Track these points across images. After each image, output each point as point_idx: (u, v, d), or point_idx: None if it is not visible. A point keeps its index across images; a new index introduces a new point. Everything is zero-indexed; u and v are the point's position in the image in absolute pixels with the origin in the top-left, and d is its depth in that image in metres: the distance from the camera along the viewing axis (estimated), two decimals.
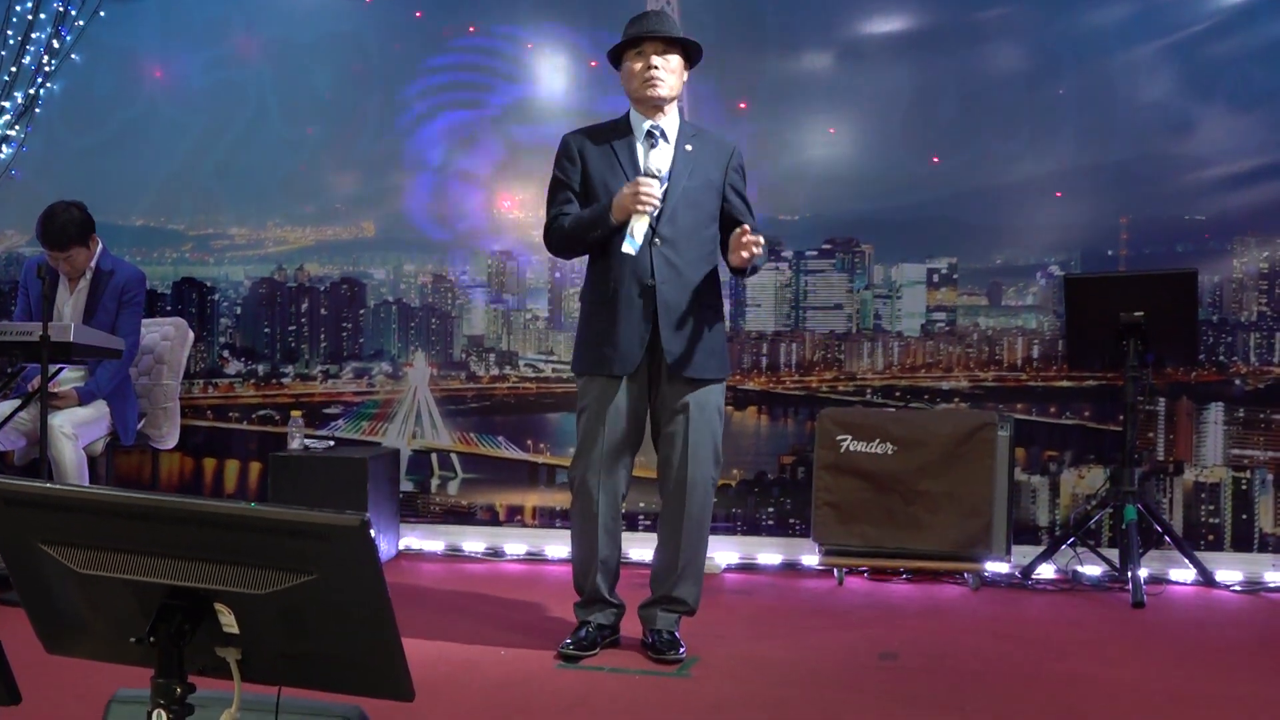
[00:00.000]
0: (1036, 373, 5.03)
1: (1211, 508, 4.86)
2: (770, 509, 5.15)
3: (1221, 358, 4.89)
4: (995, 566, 4.68)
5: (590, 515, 3.62)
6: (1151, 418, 4.90)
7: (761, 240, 3.42)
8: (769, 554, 5.05)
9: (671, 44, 3.55)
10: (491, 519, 5.38)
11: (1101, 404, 4.93)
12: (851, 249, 5.18)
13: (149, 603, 1.47)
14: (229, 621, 1.48)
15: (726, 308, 5.10)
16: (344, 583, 1.43)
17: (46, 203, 4.62)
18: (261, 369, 5.62)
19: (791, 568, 4.99)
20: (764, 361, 5.22)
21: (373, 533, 1.41)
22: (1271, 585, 4.64)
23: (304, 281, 5.62)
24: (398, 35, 5.45)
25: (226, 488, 5.59)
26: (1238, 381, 4.88)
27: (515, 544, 5.25)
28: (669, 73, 3.54)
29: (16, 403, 4.48)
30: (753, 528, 5.15)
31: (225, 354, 5.66)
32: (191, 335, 5.12)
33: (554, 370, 5.34)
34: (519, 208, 5.42)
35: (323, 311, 5.61)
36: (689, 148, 3.59)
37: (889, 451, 4.65)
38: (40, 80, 5.60)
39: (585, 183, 3.59)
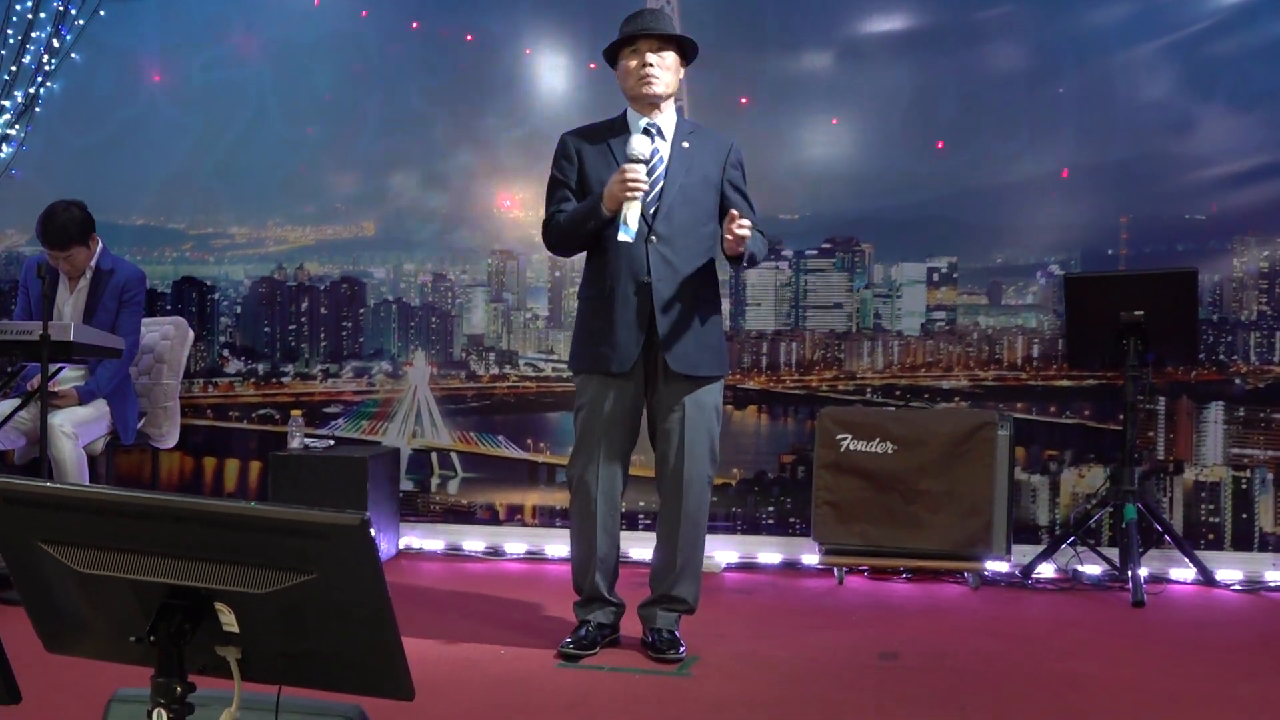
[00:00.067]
0: (1037, 372, 5.03)
1: (1211, 507, 4.86)
2: (770, 508, 5.15)
3: (1222, 357, 4.89)
4: (995, 566, 4.68)
5: (588, 514, 3.62)
6: (1152, 417, 4.90)
7: (747, 224, 3.41)
8: (769, 553, 5.05)
9: (667, 41, 3.55)
10: (492, 518, 5.38)
11: (1102, 403, 4.93)
12: (851, 248, 5.18)
13: (149, 602, 1.47)
14: (229, 621, 1.48)
15: (726, 306, 5.14)
16: (344, 582, 1.43)
17: (46, 202, 4.62)
18: (261, 368, 5.62)
19: (791, 567, 4.99)
20: (764, 361, 5.22)
21: (373, 532, 1.41)
22: (1272, 584, 4.64)
23: (304, 281, 5.62)
24: (397, 35, 5.44)
25: (227, 487, 5.59)
26: (1238, 381, 4.88)
27: (515, 543, 5.25)
28: (664, 70, 3.54)
29: (17, 402, 4.48)
30: (753, 527, 5.15)
31: (225, 353, 5.66)
32: (191, 334, 5.12)
33: (554, 369, 5.34)
34: (519, 207, 5.42)
35: (323, 311, 5.62)
36: (686, 144, 3.59)
37: (889, 451, 4.65)
38: (40, 79, 5.60)
39: (582, 181, 3.60)
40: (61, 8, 5.57)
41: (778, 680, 3.43)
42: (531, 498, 5.37)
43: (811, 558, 4.90)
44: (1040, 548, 4.76)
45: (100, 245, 4.71)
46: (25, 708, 1.68)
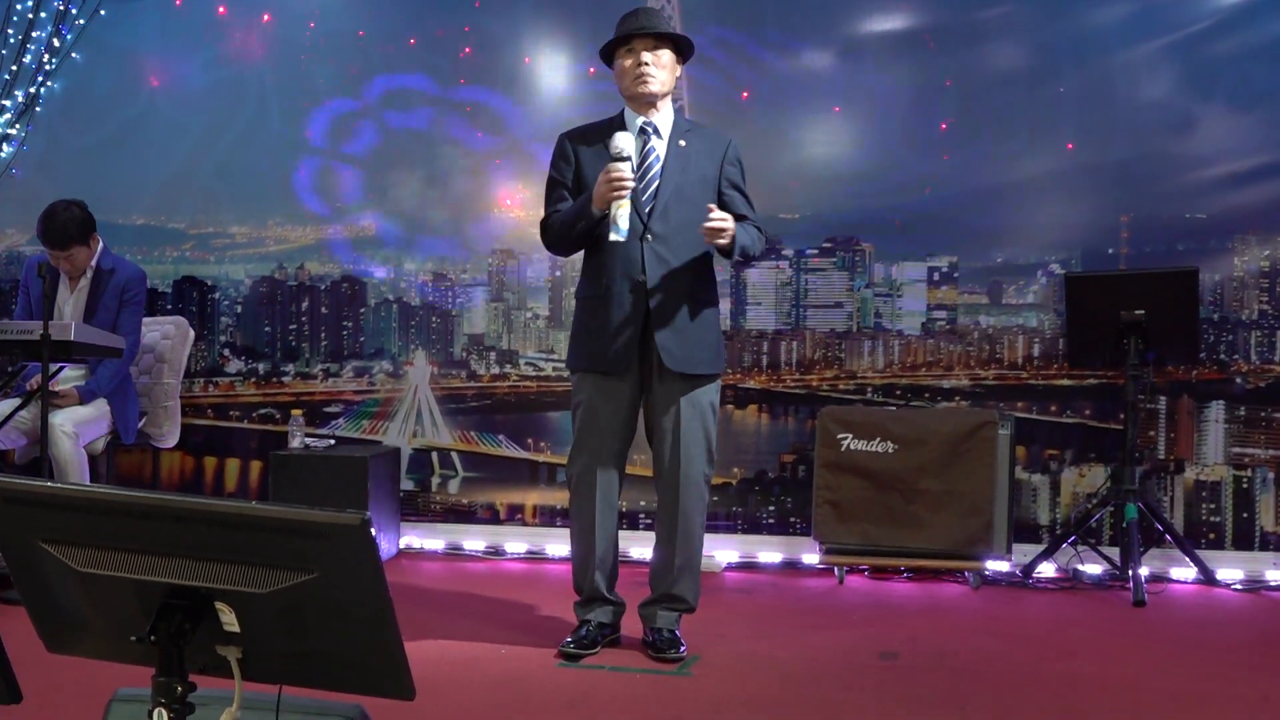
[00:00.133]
0: (1037, 371, 5.03)
1: (1212, 506, 4.86)
2: (771, 507, 5.15)
3: (1222, 356, 4.89)
4: (996, 565, 4.68)
5: (586, 512, 3.62)
6: (1152, 416, 4.89)
7: (718, 216, 3.40)
8: (769, 552, 5.05)
9: (662, 40, 3.55)
10: (492, 518, 5.38)
11: (1102, 402, 4.93)
12: (852, 247, 5.18)
13: (150, 601, 1.47)
14: (230, 620, 1.48)
15: (726, 306, 5.15)
16: (345, 581, 1.43)
17: (47, 201, 4.62)
18: (262, 368, 5.62)
19: (792, 566, 4.99)
20: (764, 360, 5.22)
21: (373, 531, 1.41)
22: (1272, 584, 4.64)
23: (304, 280, 5.62)
24: (397, 35, 5.44)
25: (227, 486, 5.59)
26: (1239, 380, 4.88)
27: (516, 542, 5.25)
28: (660, 69, 3.53)
29: (17, 401, 4.48)
30: (753, 526, 5.15)
31: (226, 353, 5.66)
32: (192, 334, 5.12)
33: (554, 369, 5.34)
34: (519, 206, 5.41)
35: (323, 310, 5.62)
36: (682, 143, 3.59)
37: (889, 450, 4.65)
38: (41, 79, 5.60)
39: (579, 181, 3.59)
40: (62, 7, 5.57)
41: (778, 680, 3.43)
42: (532, 497, 5.37)
43: (812, 557, 4.90)
44: (1041, 547, 4.76)
45: (101, 245, 4.71)
46: (26, 707, 1.68)
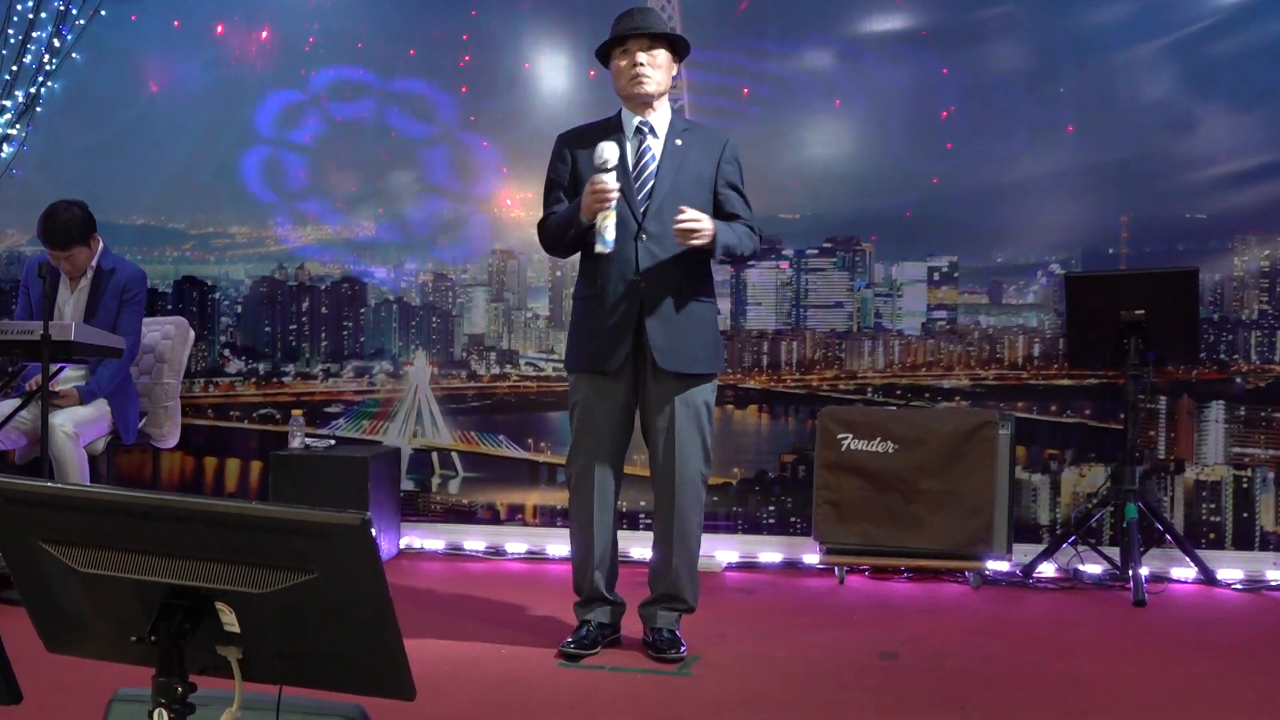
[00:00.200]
0: (1037, 371, 5.03)
1: (1213, 506, 4.86)
2: (771, 507, 5.15)
3: (1222, 356, 4.89)
4: (996, 565, 4.68)
5: (584, 512, 3.63)
6: (1152, 416, 4.89)
7: (699, 217, 3.39)
8: (770, 553, 5.05)
9: (657, 40, 3.54)
10: (492, 518, 5.38)
11: (1102, 402, 4.93)
12: (852, 247, 5.18)
13: (150, 602, 1.47)
14: (230, 620, 1.48)
15: (726, 306, 5.15)
16: (345, 581, 1.43)
17: (47, 202, 4.62)
18: (262, 368, 5.62)
19: (792, 566, 4.99)
20: (765, 360, 5.22)
21: (373, 531, 1.41)
22: (1273, 583, 4.64)
23: (305, 280, 5.62)
24: (398, 34, 5.44)
25: (227, 487, 5.59)
26: (1239, 380, 4.88)
27: (516, 543, 5.25)
28: (655, 69, 3.53)
29: (18, 402, 4.48)
30: (753, 526, 5.15)
31: (226, 353, 5.66)
32: (192, 334, 5.12)
33: (554, 369, 5.34)
34: (520, 206, 5.41)
35: (323, 310, 5.62)
36: (679, 142, 3.59)
37: (890, 450, 4.65)
38: (41, 79, 5.60)
39: (576, 181, 3.59)
40: (62, 7, 5.57)
41: (778, 680, 3.43)
42: (532, 497, 5.37)
43: (812, 557, 4.90)
44: (1041, 547, 4.76)
45: (101, 245, 4.71)
46: (26, 708, 1.68)
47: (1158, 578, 4.63)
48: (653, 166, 3.56)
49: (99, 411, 4.61)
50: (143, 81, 5.64)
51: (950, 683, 3.40)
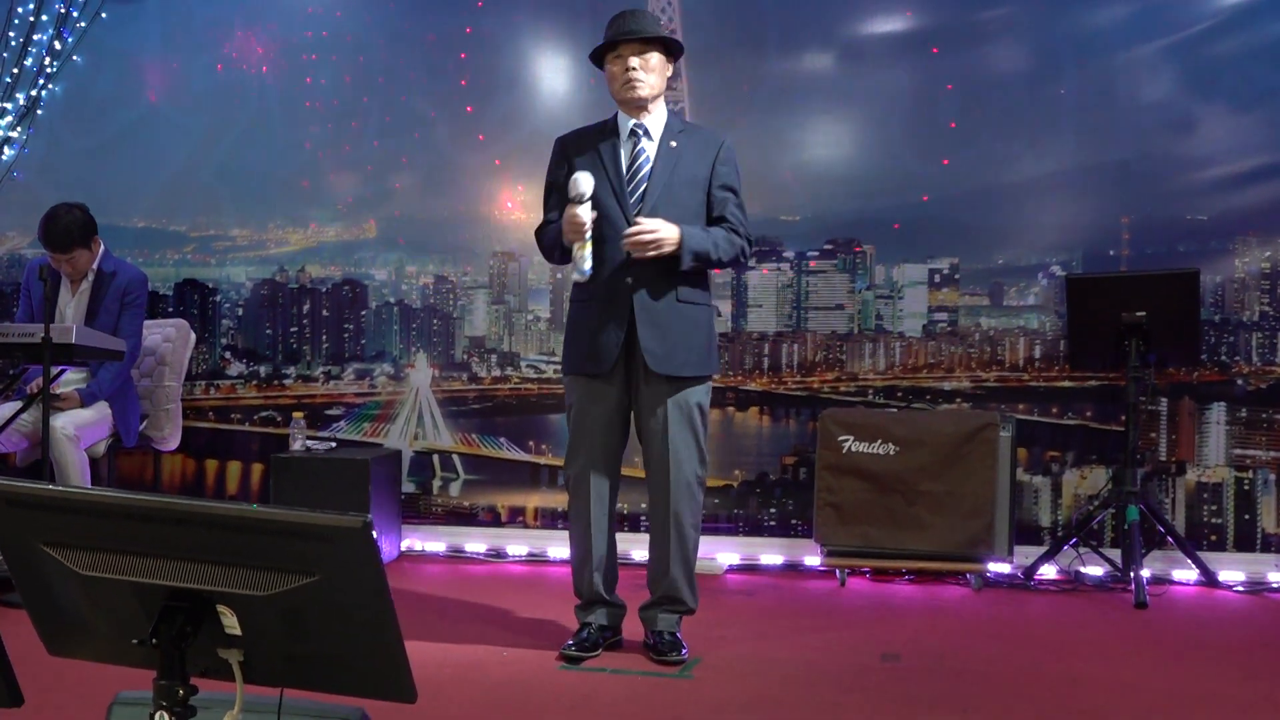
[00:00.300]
0: (1038, 373, 5.03)
1: (1214, 508, 4.86)
2: (772, 509, 5.15)
3: (1223, 357, 4.89)
4: (997, 567, 4.68)
5: (582, 515, 3.63)
6: (1154, 418, 4.89)
7: (652, 229, 3.40)
8: (771, 555, 5.05)
9: (649, 43, 3.54)
10: (493, 520, 5.38)
11: (1103, 404, 4.93)
12: (853, 249, 5.18)
13: (151, 604, 1.48)
14: (231, 623, 1.48)
15: (727, 308, 5.15)
16: (346, 584, 1.43)
17: (48, 204, 4.62)
18: (263, 370, 5.63)
19: (793, 568, 4.98)
20: (765, 362, 5.22)
21: (374, 534, 1.42)
22: (1274, 585, 4.63)
23: (305, 283, 5.63)
24: (398, 36, 5.45)
25: (228, 489, 5.60)
26: (1240, 381, 4.88)
27: (517, 545, 5.25)
28: (648, 72, 3.53)
29: (19, 404, 4.49)
30: (755, 528, 5.15)
31: (227, 355, 5.67)
32: (193, 337, 5.13)
33: (555, 371, 5.34)
34: (521, 209, 5.42)
35: (324, 313, 5.62)
36: (673, 144, 3.59)
37: (891, 452, 4.65)
38: (42, 82, 5.60)
39: None
40: (63, 10, 5.58)
41: (779, 682, 3.43)
42: (533, 500, 5.37)
43: (813, 559, 4.89)
44: (1042, 549, 4.76)
45: (102, 247, 4.71)
46: (27, 710, 1.68)
47: (1159, 580, 4.63)
48: (646, 169, 3.55)
49: (100, 414, 4.61)
50: (143, 84, 5.64)
51: (951, 684, 3.40)
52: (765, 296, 5.24)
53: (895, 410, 5.00)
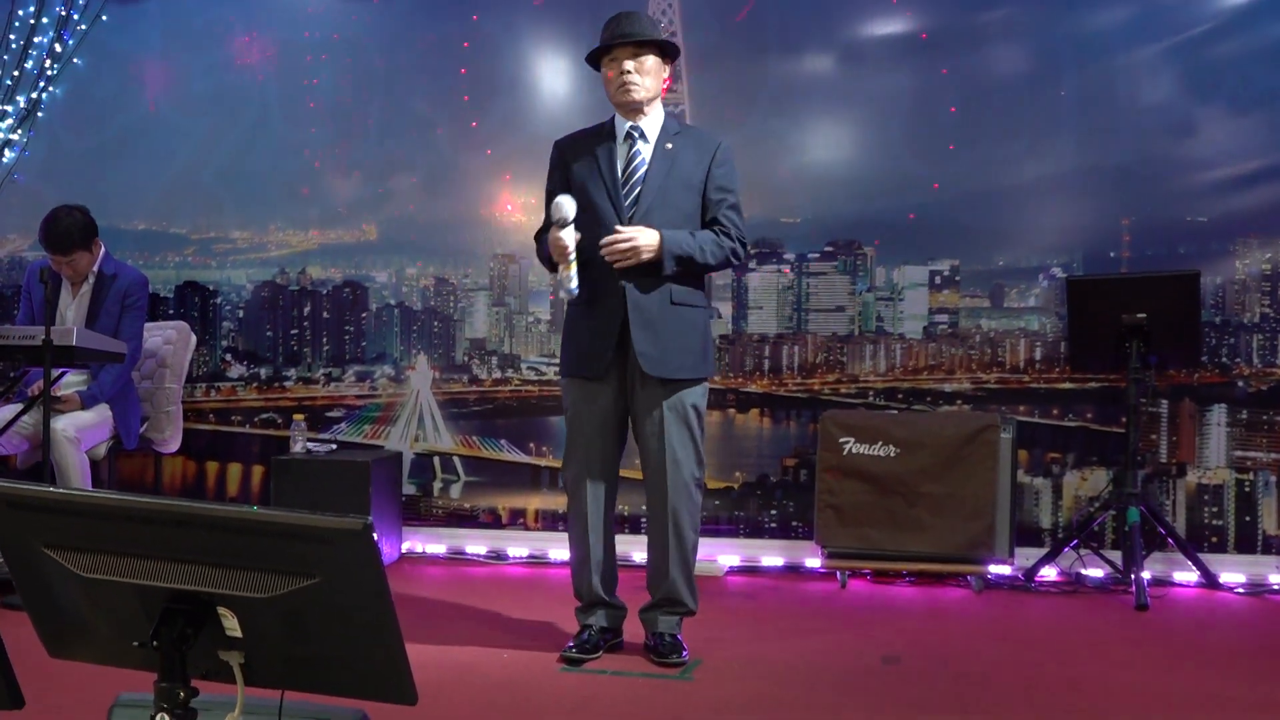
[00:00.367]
0: (1039, 375, 5.03)
1: (1215, 509, 4.86)
2: (773, 511, 5.15)
3: (1224, 359, 4.89)
4: (998, 569, 4.68)
5: (580, 518, 3.64)
6: (1154, 419, 4.89)
7: (630, 237, 3.41)
8: (771, 556, 5.05)
9: (644, 45, 3.54)
10: (494, 522, 5.38)
11: (1104, 406, 4.93)
12: (853, 251, 5.18)
13: (152, 606, 1.48)
14: (232, 625, 1.48)
15: (728, 310, 5.15)
16: (346, 586, 1.43)
17: (49, 207, 4.62)
18: (264, 372, 5.63)
19: (794, 570, 4.98)
20: (766, 364, 5.22)
21: (375, 536, 1.42)
22: (1275, 587, 4.63)
23: (306, 285, 5.63)
24: (399, 38, 5.45)
25: (229, 491, 5.59)
26: (1240, 383, 4.87)
27: (518, 547, 5.25)
28: (644, 75, 3.53)
29: (19, 407, 4.49)
30: (755, 530, 5.15)
31: (228, 357, 5.67)
32: (194, 339, 5.13)
33: (555, 373, 5.33)
34: (521, 211, 5.42)
35: (325, 315, 5.62)
36: (669, 146, 3.58)
37: (891, 454, 4.65)
38: (43, 84, 5.61)
39: (569, 188, 3.59)
40: (64, 12, 5.58)
41: (780, 684, 3.43)
42: (534, 502, 5.37)
43: (814, 561, 4.89)
44: (1043, 551, 4.76)
45: (103, 250, 4.71)
46: (28, 713, 1.68)
47: (1160, 581, 4.63)
48: (641, 171, 3.55)
49: (101, 416, 4.61)
50: (144, 86, 5.64)
51: (952, 686, 3.40)
52: (766, 298, 5.24)
53: (896, 412, 5.00)
